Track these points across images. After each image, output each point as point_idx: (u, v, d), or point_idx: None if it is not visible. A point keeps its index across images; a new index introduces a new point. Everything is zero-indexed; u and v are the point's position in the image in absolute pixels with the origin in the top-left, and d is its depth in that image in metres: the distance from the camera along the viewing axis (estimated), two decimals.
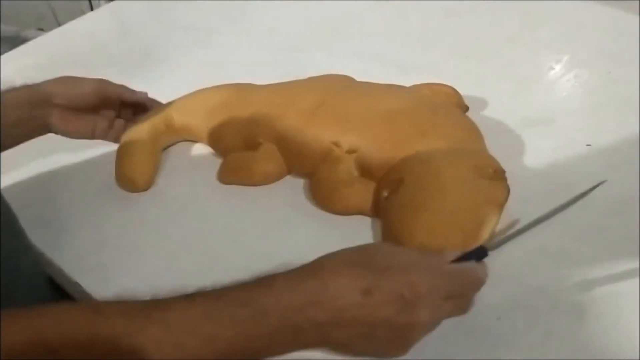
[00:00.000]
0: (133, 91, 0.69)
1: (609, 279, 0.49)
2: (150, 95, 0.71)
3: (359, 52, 0.83)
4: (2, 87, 0.60)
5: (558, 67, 0.76)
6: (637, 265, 0.50)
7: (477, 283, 0.41)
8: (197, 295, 0.37)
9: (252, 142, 0.64)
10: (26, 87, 0.62)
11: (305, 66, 0.79)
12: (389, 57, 0.81)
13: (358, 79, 0.68)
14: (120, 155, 0.66)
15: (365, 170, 0.59)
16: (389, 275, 0.37)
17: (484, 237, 0.50)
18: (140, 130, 0.67)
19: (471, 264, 0.42)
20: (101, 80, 0.66)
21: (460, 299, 0.41)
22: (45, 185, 0.67)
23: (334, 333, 0.37)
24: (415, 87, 0.66)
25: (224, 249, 0.57)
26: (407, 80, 0.67)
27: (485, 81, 0.73)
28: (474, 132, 0.60)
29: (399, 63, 0.79)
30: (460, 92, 0.66)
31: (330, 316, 0.36)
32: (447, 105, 0.63)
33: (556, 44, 0.80)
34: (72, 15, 1.11)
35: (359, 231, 0.56)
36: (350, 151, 0.59)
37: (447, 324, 0.41)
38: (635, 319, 0.46)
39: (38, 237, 0.58)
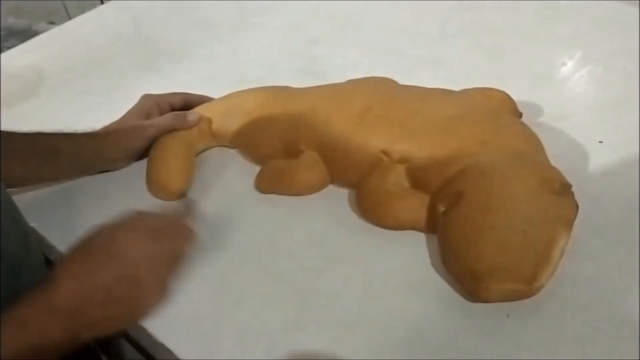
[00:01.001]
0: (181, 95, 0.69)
1: (621, 277, 0.48)
2: (162, 90, 0.68)
3: (376, 46, 0.82)
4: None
5: (571, 63, 0.75)
6: None
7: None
8: None
9: (293, 149, 0.61)
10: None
11: (322, 61, 0.79)
12: (406, 52, 0.80)
13: (375, 74, 0.66)
14: (153, 160, 0.62)
15: (418, 182, 0.55)
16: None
17: (555, 257, 0.46)
18: (174, 135, 0.63)
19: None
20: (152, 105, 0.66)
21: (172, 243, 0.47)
22: (73, 190, 0.64)
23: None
24: (467, 92, 0.62)
25: (261, 262, 0.54)
26: (424, 75, 0.65)
27: (500, 77, 0.70)
28: (535, 141, 0.56)
29: (415, 58, 0.78)
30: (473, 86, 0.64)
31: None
32: (505, 111, 0.59)
33: (570, 40, 0.79)
34: (83, 9, 1.11)
35: (412, 248, 0.53)
36: (402, 161, 0.55)
37: (457, 320, 0.46)
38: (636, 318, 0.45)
39: (65, 243, 0.56)
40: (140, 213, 0.48)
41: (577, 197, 0.51)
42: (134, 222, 0.47)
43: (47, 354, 0.41)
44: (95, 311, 0.42)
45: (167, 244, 0.47)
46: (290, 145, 0.61)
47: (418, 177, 0.55)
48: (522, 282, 0.45)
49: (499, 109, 0.59)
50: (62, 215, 0.61)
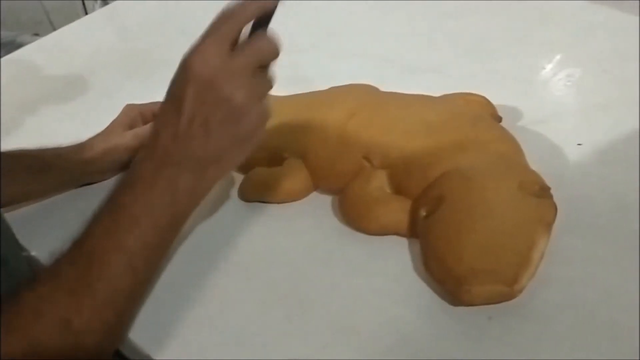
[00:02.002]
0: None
1: (602, 277, 0.48)
2: (147, 100, 0.68)
3: (362, 53, 0.83)
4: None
5: (550, 67, 0.76)
6: (631, 264, 0.49)
7: (270, 48, 0.45)
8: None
9: (277, 156, 0.61)
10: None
11: (308, 68, 0.79)
12: (389, 59, 0.81)
13: (360, 81, 0.66)
14: None
15: (400, 187, 0.55)
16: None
17: (535, 259, 0.47)
18: None
19: (257, 35, 0.46)
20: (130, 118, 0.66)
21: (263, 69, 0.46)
22: (55, 203, 0.64)
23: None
24: (448, 97, 0.63)
25: (246, 270, 0.54)
26: (410, 81, 0.66)
27: (480, 81, 0.72)
28: (515, 145, 0.56)
29: (401, 64, 0.79)
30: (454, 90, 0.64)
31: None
32: (485, 116, 0.60)
33: (549, 44, 0.80)
34: (68, 20, 1.10)
35: (395, 253, 0.53)
36: (384, 166, 0.56)
37: (439, 324, 0.46)
38: (636, 319, 0.45)
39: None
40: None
41: (556, 199, 0.51)
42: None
43: (181, 207, 0.44)
44: (203, 143, 0.43)
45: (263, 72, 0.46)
46: (273, 152, 0.61)
47: (400, 182, 0.55)
48: (504, 284, 0.45)
49: (479, 114, 0.60)
50: (45, 227, 0.61)
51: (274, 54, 0.46)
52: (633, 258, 0.49)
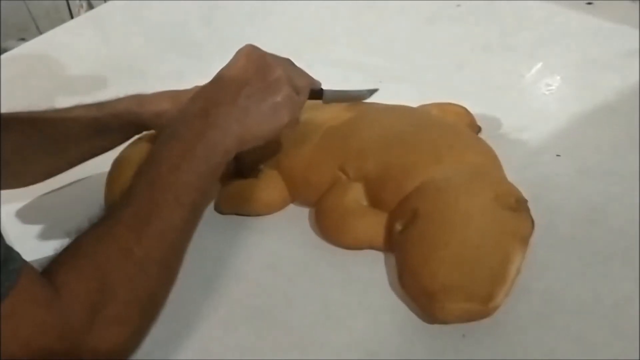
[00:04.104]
0: None
1: (578, 291, 0.48)
2: None
3: (337, 60, 0.83)
4: None
5: (530, 75, 0.75)
6: (608, 277, 0.49)
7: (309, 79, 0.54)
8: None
9: (253, 168, 0.60)
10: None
11: None
12: (367, 66, 0.81)
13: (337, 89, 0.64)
14: (112, 175, 0.61)
15: (376, 200, 0.54)
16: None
17: (511, 275, 0.46)
18: (137, 149, 0.62)
19: None
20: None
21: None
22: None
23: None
24: (424, 108, 0.62)
25: (220, 285, 0.53)
26: (389, 90, 0.64)
27: (460, 89, 0.72)
28: (491, 156, 0.56)
29: (378, 72, 0.78)
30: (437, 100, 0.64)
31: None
32: (461, 126, 0.59)
33: (529, 51, 0.80)
34: (54, 25, 1.10)
35: (370, 268, 0.52)
36: (359, 178, 0.55)
37: (412, 341, 0.45)
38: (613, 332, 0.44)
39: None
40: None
41: (533, 210, 0.50)
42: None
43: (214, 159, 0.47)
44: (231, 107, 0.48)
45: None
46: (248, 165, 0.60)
47: (376, 195, 0.54)
48: (478, 302, 0.45)
49: (455, 124, 0.59)
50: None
51: (311, 84, 0.54)
52: (611, 271, 0.49)
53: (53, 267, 0.40)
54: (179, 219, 0.44)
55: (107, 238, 0.42)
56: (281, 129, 0.50)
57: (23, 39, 1.94)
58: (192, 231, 0.47)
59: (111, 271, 0.40)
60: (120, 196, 0.45)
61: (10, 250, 0.37)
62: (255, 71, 0.50)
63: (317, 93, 0.56)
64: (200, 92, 0.50)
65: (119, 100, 0.60)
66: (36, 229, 0.61)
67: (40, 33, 1.27)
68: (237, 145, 0.48)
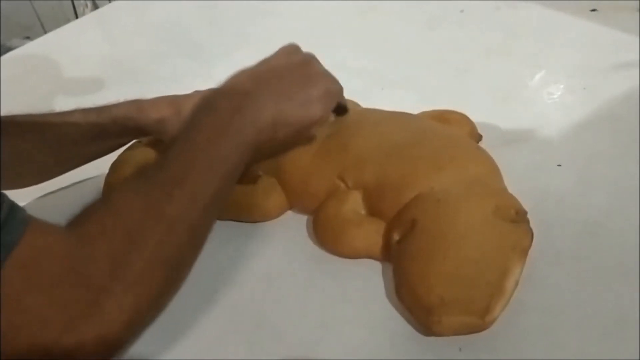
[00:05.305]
0: None
1: (577, 306, 0.47)
2: None
3: (338, 66, 0.79)
4: None
5: (533, 83, 0.75)
6: (608, 292, 0.48)
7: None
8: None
9: (251, 174, 0.59)
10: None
11: None
12: (368, 71, 0.80)
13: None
14: (110, 178, 0.62)
15: (374, 209, 0.54)
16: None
17: (509, 289, 0.45)
18: (136, 152, 0.62)
19: None
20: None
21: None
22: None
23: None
24: (425, 115, 0.62)
25: (214, 293, 0.52)
26: (390, 96, 0.66)
27: (462, 96, 0.71)
28: (492, 166, 0.55)
29: (379, 77, 0.78)
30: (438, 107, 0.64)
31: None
32: (462, 135, 0.58)
33: (532, 59, 0.79)
34: (59, 24, 1.10)
35: (367, 277, 0.51)
36: (358, 187, 0.54)
37: (408, 354, 0.45)
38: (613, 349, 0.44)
39: None
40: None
41: (533, 222, 0.50)
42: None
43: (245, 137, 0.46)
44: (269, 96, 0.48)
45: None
46: (247, 170, 0.60)
47: (374, 204, 0.54)
48: (475, 316, 0.44)
49: (456, 133, 0.59)
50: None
51: (342, 93, 0.56)
52: (611, 284, 0.48)
53: (78, 219, 0.39)
54: (212, 187, 0.43)
55: (138, 195, 0.41)
56: (313, 123, 0.51)
57: (28, 38, 1.95)
58: (222, 202, 0.46)
59: (139, 227, 0.39)
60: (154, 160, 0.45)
61: (13, 205, 0.36)
62: (298, 63, 0.52)
63: (341, 109, 0.56)
64: (243, 72, 0.51)
65: (118, 105, 0.59)
66: None
67: (45, 32, 1.28)
68: (270, 127, 0.48)
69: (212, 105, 0.47)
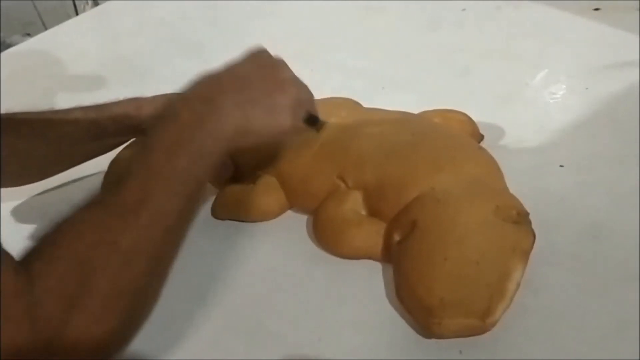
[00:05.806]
0: None
1: (579, 308, 0.46)
2: None
3: (339, 66, 0.82)
4: None
5: (535, 83, 0.74)
6: (610, 294, 0.47)
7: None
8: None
9: (250, 175, 0.59)
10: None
11: None
12: (369, 71, 0.79)
13: (340, 95, 0.65)
14: (109, 176, 0.61)
15: (374, 209, 0.53)
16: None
17: (510, 290, 0.45)
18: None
19: None
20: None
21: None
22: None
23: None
24: (427, 115, 0.61)
25: (213, 294, 0.52)
26: (391, 96, 0.65)
27: (463, 97, 0.70)
28: (493, 167, 0.55)
29: (380, 77, 0.78)
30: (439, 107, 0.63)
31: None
32: (463, 135, 0.58)
33: (534, 59, 0.79)
34: (59, 21, 1.11)
35: (367, 278, 0.51)
36: (358, 187, 0.54)
37: (408, 356, 0.44)
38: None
39: None
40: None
41: (535, 223, 0.49)
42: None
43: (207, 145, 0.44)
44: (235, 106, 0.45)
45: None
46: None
47: (374, 204, 0.53)
48: (476, 318, 0.44)
49: (457, 133, 0.58)
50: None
51: (312, 102, 0.52)
52: (612, 286, 0.48)
53: (30, 255, 0.37)
54: (173, 208, 0.42)
55: (90, 227, 0.39)
56: (282, 132, 0.48)
57: (28, 35, 1.94)
58: (188, 222, 0.44)
59: (92, 263, 0.37)
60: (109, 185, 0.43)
61: None
62: (265, 68, 0.49)
63: (312, 119, 0.51)
64: (207, 78, 0.48)
65: (117, 103, 0.59)
66: (31, 228, 0.60)
67: (46, 29, 1.28)
68: (237, 137, 0.46)
69: (172, 115, 0.45)
